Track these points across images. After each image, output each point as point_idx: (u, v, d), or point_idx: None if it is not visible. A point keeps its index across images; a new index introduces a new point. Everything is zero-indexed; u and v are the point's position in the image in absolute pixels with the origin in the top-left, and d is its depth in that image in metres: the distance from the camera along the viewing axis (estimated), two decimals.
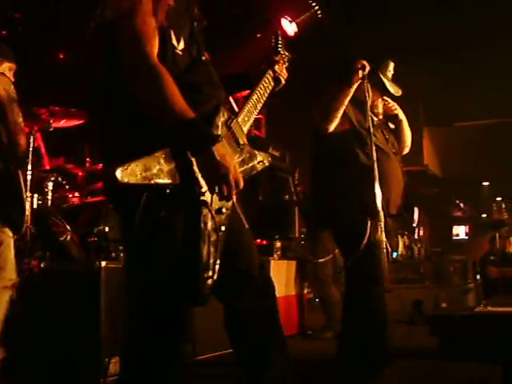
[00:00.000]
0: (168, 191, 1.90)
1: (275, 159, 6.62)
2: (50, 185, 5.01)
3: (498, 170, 9.50)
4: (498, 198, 8.68)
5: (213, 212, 1.97)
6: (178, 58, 2.11)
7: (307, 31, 7.17)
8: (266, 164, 2.32)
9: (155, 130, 1.92)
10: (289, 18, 7.07)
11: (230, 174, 1.96)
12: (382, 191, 3.35)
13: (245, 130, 2.25)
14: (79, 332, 3.52)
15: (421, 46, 3.71)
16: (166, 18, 2.06)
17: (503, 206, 8.02)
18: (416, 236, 9.41)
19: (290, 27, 7.10)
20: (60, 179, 5.16)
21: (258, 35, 7.43)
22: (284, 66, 2.58)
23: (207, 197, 1.97)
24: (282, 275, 5.71)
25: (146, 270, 2.07)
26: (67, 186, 5.26)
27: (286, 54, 2.62)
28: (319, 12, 6.86)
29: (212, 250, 1.94)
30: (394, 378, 2.08)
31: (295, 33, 7.12)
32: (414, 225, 8.42)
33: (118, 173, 1.75)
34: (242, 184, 2.01)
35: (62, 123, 5.37)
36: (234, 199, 2.07)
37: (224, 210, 2.03)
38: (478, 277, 8.91)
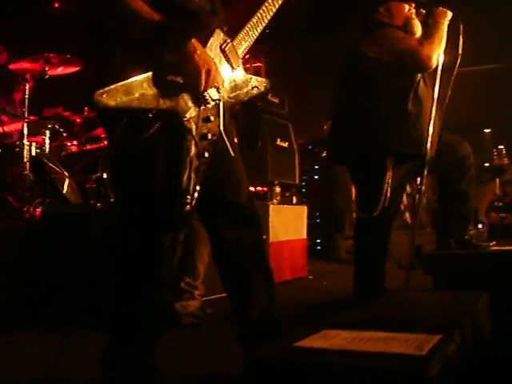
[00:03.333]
0: (150, 115, 1.90)
1: (274, 105, 6.60)
2: (48, 132, 5.04)
3: (500, 116, 9.43)
4: (500, 146, 8.65)
5: (196, 138, 1.97)
6: None
7: None
8: (262, 90, 2.28)
9: (138, 54, 1.92)
10: None
11: (210, 67, 1.97)
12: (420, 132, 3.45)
13: (240, 53, 2.22)
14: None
15: None
16: None
17: (503, 151, 8.01)
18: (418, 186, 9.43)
19: None
20: (57, 127, 5.19)
21: None
22: None
23: (191, 123, 1.97)
24: (282, 220, 5.73)
25: (125, 193, 2.09)
26: (65, 134, 5.29)
27: None
28: None
29: (193, 175, 1.95)
30: (380, 304, 2.12)
31: None
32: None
33: (97, 96, 1.76)
34: (218, 80, 2.03)
35: (59, 71, 5.37)
36: (221, 127, 2.07)
37: (209, 137, 2.02)
38: (480, 226, 8.93)
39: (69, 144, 5.35)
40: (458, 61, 3.49)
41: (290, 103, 6.96)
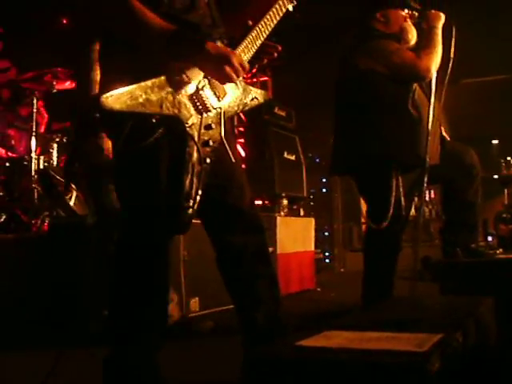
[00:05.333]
0: (154, 121, 1.92)
1: (281, 119, 6.62)
2: (55, 146, 5.09)
3: (508, 127, 9.38)
4: (508, 158, 8.59)
5: (198, 144, 2.01)
6: (174, 0, 2.13)
7: None
8: (261, 101, 2.31)
9: (144, 59, 1.95)
10: None
11: (233, 58, 2.01)
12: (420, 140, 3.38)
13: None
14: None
15: None
16: None
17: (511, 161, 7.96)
18: (427, 198, 9.42)
19: None
20: (65, 140, 5.23)
21: None
22: None
23: (193, 129, 2.01)
24: (290, 232, 5.73)
25: (129, 197, 2.12)
26: None
27: None
28: None
29: (195, 180, 1.99)
30: (383, 308, 2.11)
31: None
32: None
33: (103, 99, 1.78)
34: (247, 66, 2.07)
35: (67, 85, 5.42)
36: (222, 133, 2.09)
37: (211, 143, 2.06)
38: (490, 238, 8.85)
39: None
40: (450, 65, 3.46)
41: (297, 117, 6.98)
